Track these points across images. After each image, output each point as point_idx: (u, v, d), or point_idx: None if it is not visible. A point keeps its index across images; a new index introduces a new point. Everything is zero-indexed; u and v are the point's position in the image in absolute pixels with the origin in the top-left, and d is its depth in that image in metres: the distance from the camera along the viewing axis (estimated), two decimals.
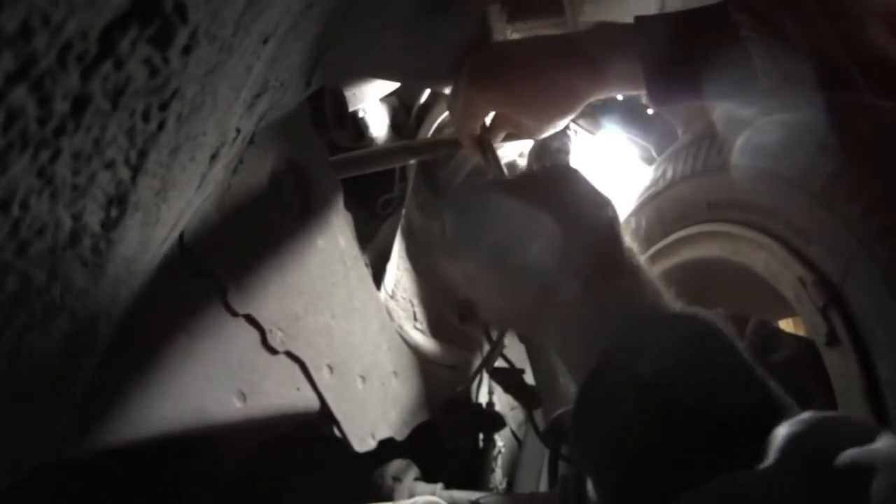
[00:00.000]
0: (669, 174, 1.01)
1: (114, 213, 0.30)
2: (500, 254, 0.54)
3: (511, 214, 0.54)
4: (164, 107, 0.29)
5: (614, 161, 1.42)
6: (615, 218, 0.54)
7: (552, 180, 0.56)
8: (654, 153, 1.29)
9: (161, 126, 0.30)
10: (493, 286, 0.56)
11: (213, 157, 0.52)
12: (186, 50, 0.27)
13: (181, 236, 0.61)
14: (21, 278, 0.27)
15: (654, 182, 1.05)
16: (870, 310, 0.60)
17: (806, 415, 0.38)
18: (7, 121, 0.21)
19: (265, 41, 0.42)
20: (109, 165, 0.28)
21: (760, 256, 0.77)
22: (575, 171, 0.57)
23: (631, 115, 1.35)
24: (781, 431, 0.36)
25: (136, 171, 0.30)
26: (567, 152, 1.25)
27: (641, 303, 0.47)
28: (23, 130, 0.22)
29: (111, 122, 0.26)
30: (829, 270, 0.65)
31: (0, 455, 0.39)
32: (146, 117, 0.28)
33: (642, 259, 0.52)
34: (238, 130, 0.56)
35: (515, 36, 1.30)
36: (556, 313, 0.51)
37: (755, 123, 0.79)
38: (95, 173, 0.27)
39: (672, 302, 0.48)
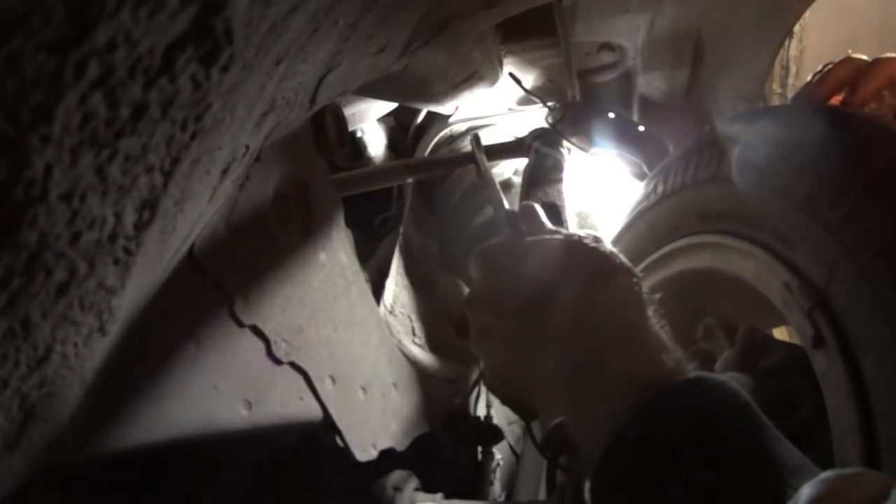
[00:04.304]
0: (660, 189, 1.04)
1: (146, 216, 0.33)
2: (527, 316, 0.56)
3: (547, 279, 0.56)
4: (198, 119, 0.32)
5: (607, 178, 1.46)
6: (638, 286, 0.55)
7: (593, 255, 0.57)
8: (645, 169, 1.32)
9: (193, 136, 0.32)
10: (512, 344, 0.58)
11: (225, 171, 0.55)
12: (224, 69, 0.30)
13: (192, 248, 0.63)
14: (69, 269, 0.29)
15: (646, 196, 1.08)
16: (854, 311, 0.63)
17: (825, 474, 0.39)
18: (83, 121, 0.24)
19: (278, 62, 0.44)
20: (149, 170, 0.30)
21: (749, 265, 0.79)
22: (613, 252, 0.57)
23: (623, 133, 1.38)
24: (804, 492, 0.37)
25: (167, 178, 0.33)
26: (560, 170, 1.28)
27: (658, 372, 0.48)
28: (93, 130, 0.25)
29: (158, 129, 0.29)
30: (813, 275, 0.67)
31: (25, 449, 0.41)
32: (184, 127, 0.31)
33: (659, 325, 0.53)
34: (247, 147, 0.58)
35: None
36: (574, 377, 0.52)
37: (743, 138, 0.83)
38: (138, 176, 0.30)
39: (684, 365, 0.49)
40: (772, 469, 0.42)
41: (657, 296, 0.55)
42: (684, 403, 0.45)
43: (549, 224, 0.64)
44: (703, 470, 0.42)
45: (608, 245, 0.58)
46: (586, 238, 0.58)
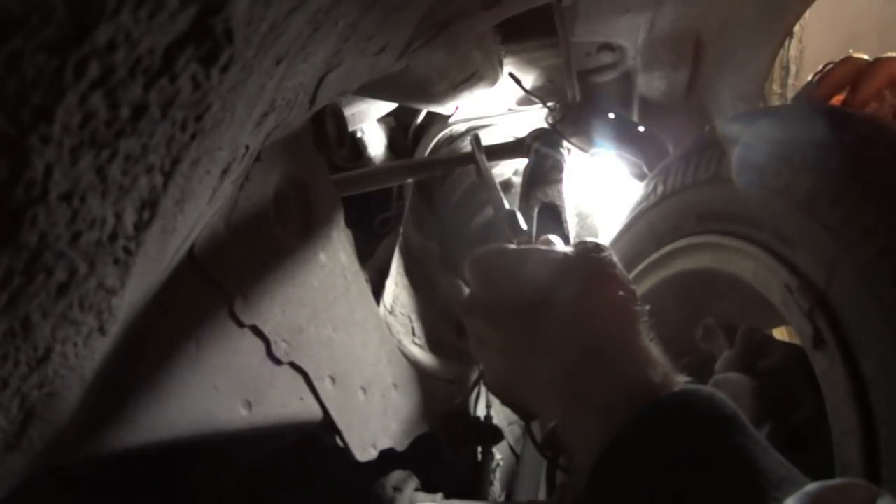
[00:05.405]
0: (660, 189, 1.04)
1: (146, 216, 0.33)
2: (520, 326, 0.56)
3: (540, 290, 0.56)
4: (198, 119, 0.32)
5: (607, 178, 1.46)
6: (630, 298, 0.56)
7: (587, 266, 0.57)
8: (645, 169, 1.32)
9: (193, 136, 0.32)
10: (507, 352, 0.58)
11: (225, 171, 0.55)
12: (224, 69, 0.30)
13: (192, 248, 0.63)
14: (69, 269, 0.29)
15: (646, 197, 1.08)
16: (853, 311, 0.63)
17: (810, 487, 0.39)
18: (83, 121, 0.24)
19: (278, 63, 0.45)
20: (149, 170, 0.31)
21: (749, 265, 0.79)
22: (609, 260, 0.57)
23: (623, 133, 1.38)
24: None
25: (167, 178, 0.33)
26: (560, 170, 1.28)
27: (646, 386, 0.48)
28: (94, 130, 0.25)
29: (158, 129, 0.29)
30: (813, 275, 0.67)
31: (25, 449, 0.41)
32: (184, 127, 0.31)
33: (650, 337, 0.53)
34: (247, 147, 0.59)
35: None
36: (566, 387, 0.53)
37: (743, 138, 0.83)
38: (138, 176, 0.30)
39: (672, 378, 0.49)
40: (756, 481, 0.42)
41: (647, 307, 0.55)
42: (669, 417, 0.46)
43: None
44: (686, 484, 0.42)
45: (606, 254, 0.58)
46: (585, 247, 0.58)
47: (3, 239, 0.27)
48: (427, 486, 1.08)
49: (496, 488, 1.28)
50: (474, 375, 1.38)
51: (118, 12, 0.24)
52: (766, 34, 1.32)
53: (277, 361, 0.78)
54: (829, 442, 0.65)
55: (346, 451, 0.90)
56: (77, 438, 0.54)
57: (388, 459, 1.00)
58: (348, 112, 1.27)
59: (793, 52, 1.91)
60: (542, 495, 1.29)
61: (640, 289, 1.05)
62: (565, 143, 1.31)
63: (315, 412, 0.84)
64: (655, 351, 0.52)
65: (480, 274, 0.62)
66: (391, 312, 1.32)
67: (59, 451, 0.51)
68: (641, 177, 1.32)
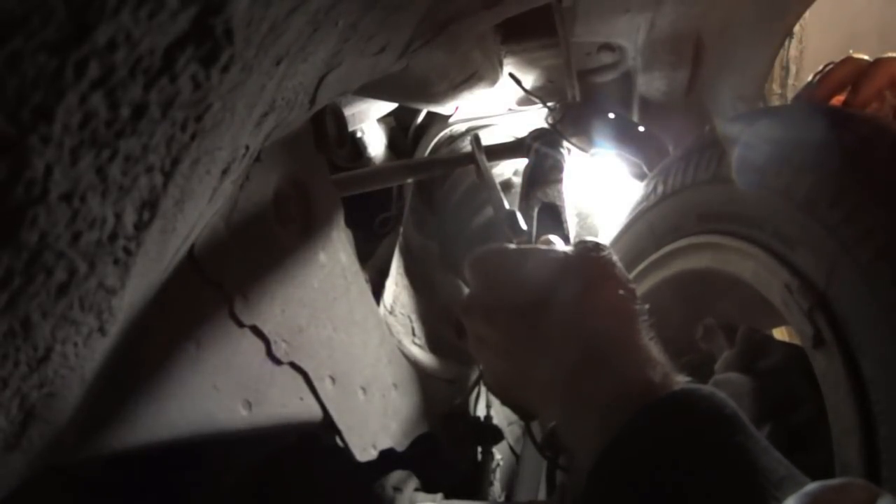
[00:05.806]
0: (660, 189, 1.04)
1: (146, 216, 0.33)
2: (520, 326, 0.57)
3: (540, 290, 0.56)
4: (198, 119, 0.32)
5: (607, 178, 1.46)
6: (630, 298, 0.56)
7: (586, 266, 0.57)
8: (645, 169, 1.32)
9: (193, 137, 0.33)
10: (507, 352, 0.58)
11: (225, 171, 0.55)
12: (225, 69, 0.30)
13: (192, 248, 0.63)
14: (69, 269, 0.29)
15: (646, 197, 1.08)
16: (853, 311, 0.63)
17: (810, 487, 0.39)
18: (83, 121, 0.24)
19: (278, 63, 0.45)
20: (149, 170, 0.31)
21: (749, 265, 0.79)
22: (609, 259, 0.57)
23: (623, 133, 1.38)
24: None
25: (167, 178, 0.33)
26: (560, 170, 1.28)
27: (645, 386, 0.48)
28: (94, 130, 0.25)
29: (158, 129, 0.29)
30: (813, 275, 0.67)
31: (25, 449, 0.41)
32: (184, 127, 0.31)
33: (649, 336, 0.53)
34: (247, 147, 0.59)
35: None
36: (566, 387, 0.53)
37: (743, 139, 0.83)
38: (138, 176, 0.30)
39: (672, 378, 0.49)
40: (756, 481, 0.41)
41: (647, 307, 0.55)
42: (669, 417, 0.46)
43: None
44: (686, 483, 0.42)
45: (606, 253, 0.58)
46: (585, 246, 0.58)
47: (3, 239, 0.27)
48: (427, 486, 1.08)
49: (496, 488, 1.28)
50: (474, 375, 1.38)
51: (118, 12, 0.24)
52: (766, 34, 1.32)
53: (277, 361, 0.78)
54: (829, 442, 0.65)
55: (346, 451, 0.90)
56: (77, 438, 0.54)
57: (388, 459, 1.00)
58: (348, 112, 1.27)
59: (793, 52, 1.91)
60: (542, 495, 1.29)
61: (640, 289, 1.05)
62: (565, 143, 1.31)
63: (315, 412, 0.84)
64: (655, 350, 0.52)
65: (480, 274, 0.62)
66: (391, 312, 1.32)
67: (59, 451, 0.51)
68: (641, 177, 1.32)
